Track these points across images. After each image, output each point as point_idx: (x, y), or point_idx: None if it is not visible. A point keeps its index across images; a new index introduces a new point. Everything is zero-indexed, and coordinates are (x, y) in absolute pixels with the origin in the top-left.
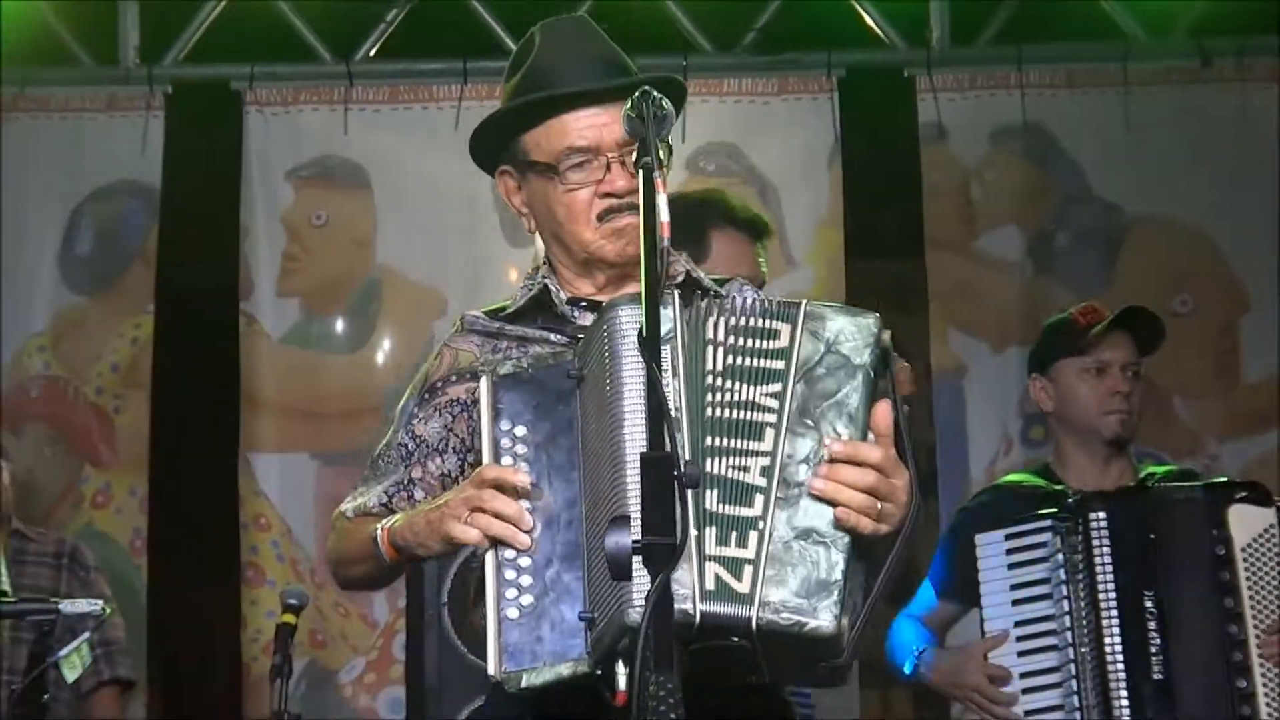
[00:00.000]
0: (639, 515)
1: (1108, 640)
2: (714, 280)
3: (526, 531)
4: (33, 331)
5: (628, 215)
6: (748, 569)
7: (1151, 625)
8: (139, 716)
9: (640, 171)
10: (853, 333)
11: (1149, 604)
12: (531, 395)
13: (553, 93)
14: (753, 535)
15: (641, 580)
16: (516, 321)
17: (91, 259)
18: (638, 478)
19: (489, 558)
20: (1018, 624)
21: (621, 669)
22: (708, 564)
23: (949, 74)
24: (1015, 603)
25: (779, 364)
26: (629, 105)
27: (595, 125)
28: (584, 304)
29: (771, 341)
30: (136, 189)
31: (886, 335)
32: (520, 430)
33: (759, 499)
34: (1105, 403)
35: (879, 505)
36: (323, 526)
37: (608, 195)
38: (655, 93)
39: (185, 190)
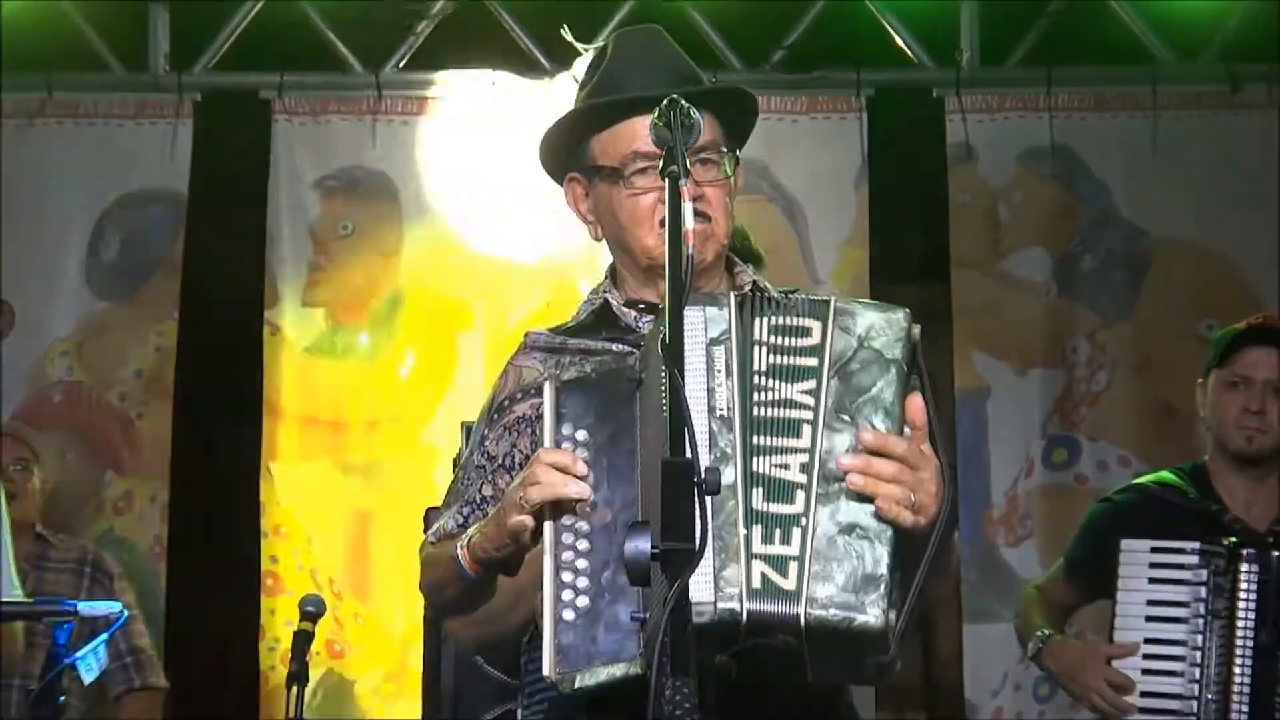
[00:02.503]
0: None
1: (1235, 694)
2: (782, 291)
3: (582, 498)
4: (57, 337)
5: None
6: (793, 565)
7: None
8: None
9: (666, 180)
10: (884, 327)
11: None
12: (593, 398)
13: (620, 96)
14: (796, 532)
15: (698, 581)
16: (579, 335)
17: (117, 265)
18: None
19: (548, 557)
20: (1148, 640)
21: None
22: (754, 562)
23: (978, 95)
24: (1150, 619)
25: (812, 361)
26: (656, 114)
27: None
28: (642, 306)
29: (804, 339)
30: (163, 196)
31: (916, 330)
32: (581, 434)
33: (800, 495)
34: (1238, 418)
35: (911, 496)
36: (344, 536)
37: None
38: (683, 101)
39: (212, 198)
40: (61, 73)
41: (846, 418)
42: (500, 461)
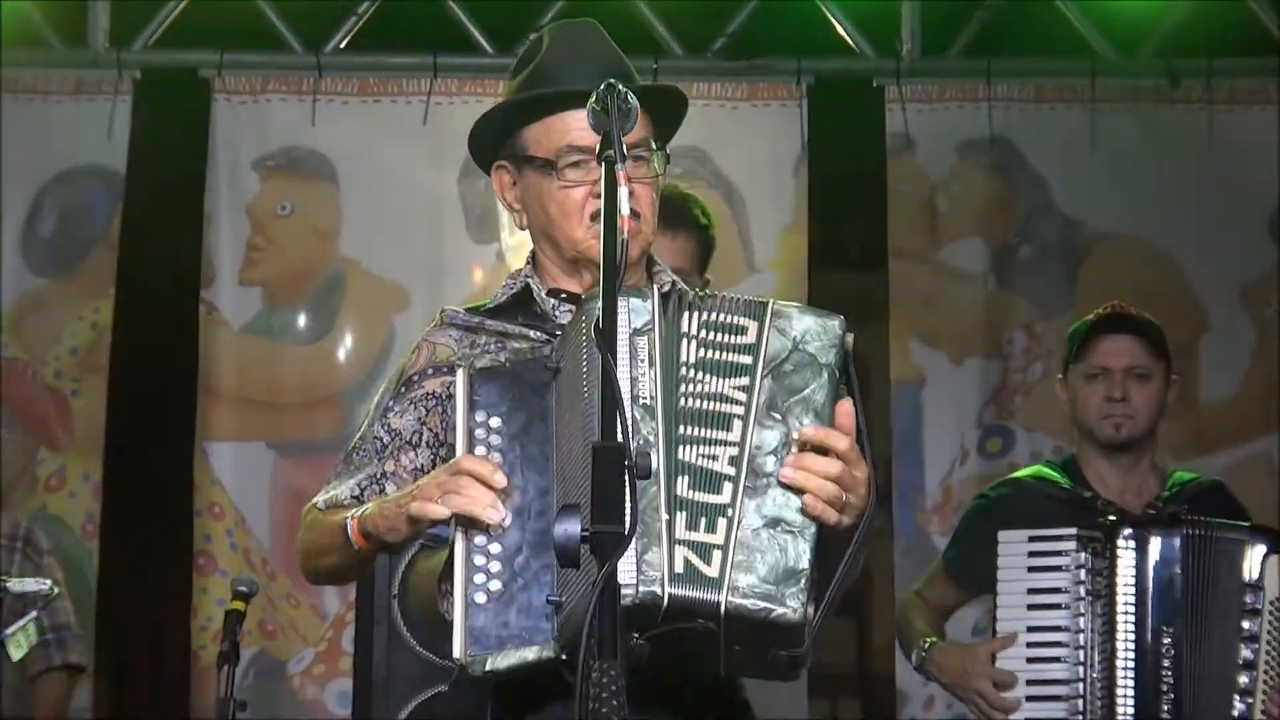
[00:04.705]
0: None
1: (1120, 670)
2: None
3: (497, 524)
4: None
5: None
6: (717, 554)
7: (1166, 663)
8: (86, 702)
9: (603, 165)
10: (819, 332)
11: (1166, 640)
12: (508, 387)
13: (559, 89)
14: (721, 522)
15: (620, 563)
16: (497, 317)
17: (54, 241)
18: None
19: (458, 542)
20: (1030, 629)
21: None
22: (677, 547)
23: (918, 84)
24: (1030, 607)
25: (747, 359)
26: (594, 98)
27: None
28: (564, 295)
29: (740, 337)
30: (101, 173)
31: (850, 338)
32: (495, 421)
33: (727, 487)
34: (1101, 407)
35: (843, 496)
36: (278, 516)
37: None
38: (621, 87)
39: (150, 176)
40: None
41: (778, 415)
42: (406, 438)
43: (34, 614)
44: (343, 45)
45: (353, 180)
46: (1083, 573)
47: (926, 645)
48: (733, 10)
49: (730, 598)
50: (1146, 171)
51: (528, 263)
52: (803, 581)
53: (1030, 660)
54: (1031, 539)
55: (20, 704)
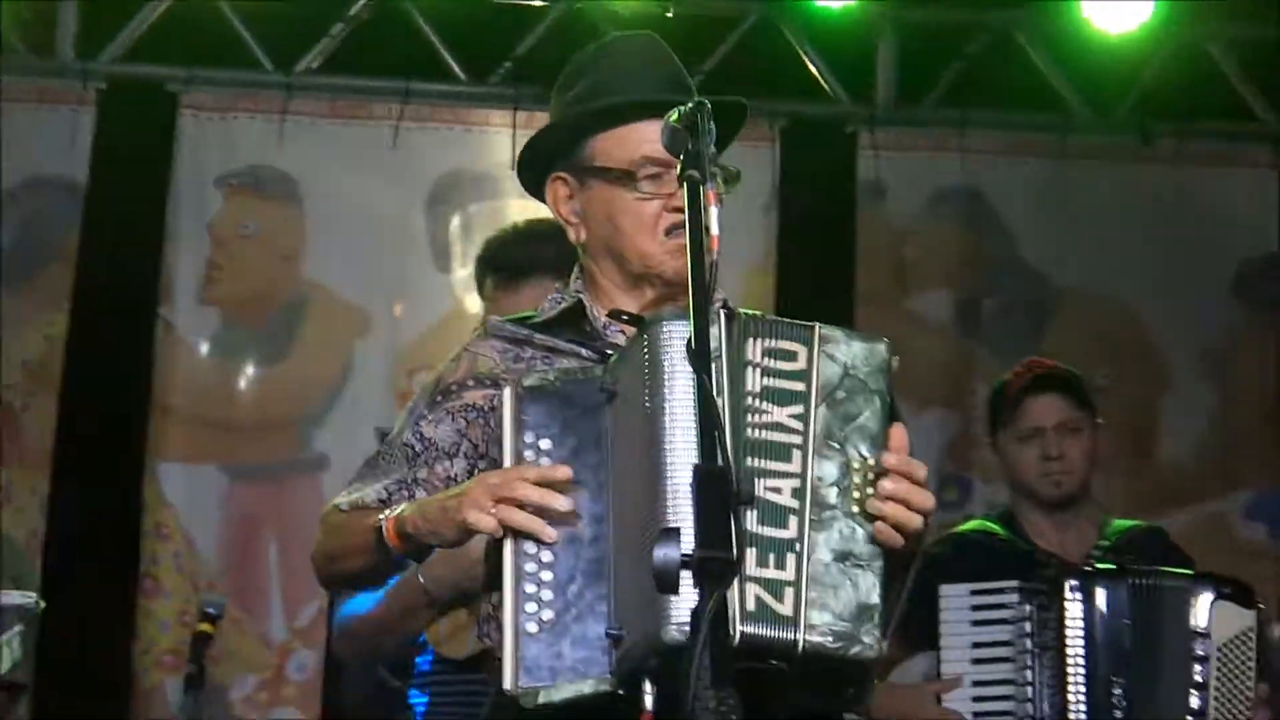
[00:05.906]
0: (688, 529)
1: None
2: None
3: (551, 534)
4: None
5: None
6: (789, 591)
7: (1118, 714)
8: None
9: (685, 185)
10: (866, 357)
11: (1117, 691)
12: (558, 408)
13: (645, 98)
14: (790, 557)
15: (680, 597)
16: (544, 332)
17: (9, 252)
18: (680, 493)
19: (507, 564)
20: (976, 682)
21: (649, 688)
22: (748, 585)
23: (891, 133)
24: (975, 661)
25: (799, 386)
26: (676, 115)
27: None
28: (626, 317)
29: (790, 363)
30: (61, 184)
31: (895, 361)
32: (545, 443)
33: (793, 520)
34: (1038, 467)
35: (921, 525)
36: (227, 540)
37: (677, 210)
38: (708, 105)
39: (111, 190)
40: None
41: (836, 445)
42: (442, 448)
43: (19, 627)
44: (314, 66)
45: (318, 202)
46: (1028, 625)
47: None
48: (708, 49)
49: (808, 637)
50: (1116, 228)
51: (577, 278)
52: (876, 616)
53: (977, 715)
54: (974, 592)
55: None
